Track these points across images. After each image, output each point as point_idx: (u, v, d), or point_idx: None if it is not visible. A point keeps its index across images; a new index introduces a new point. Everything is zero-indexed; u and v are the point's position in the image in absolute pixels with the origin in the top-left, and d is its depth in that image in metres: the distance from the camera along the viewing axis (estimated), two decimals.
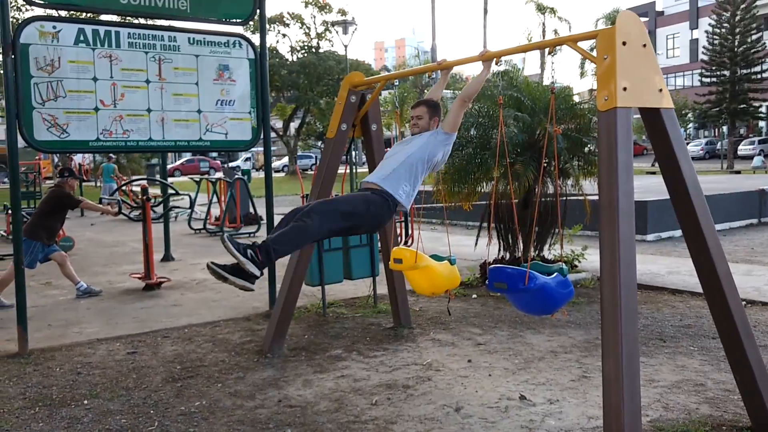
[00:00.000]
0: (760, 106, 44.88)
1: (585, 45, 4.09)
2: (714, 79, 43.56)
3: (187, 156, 54.48)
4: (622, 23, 3.65)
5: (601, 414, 4.37)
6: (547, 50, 32.10)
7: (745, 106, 42.81)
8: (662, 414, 4.41)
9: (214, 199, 16.09)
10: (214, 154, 60.30)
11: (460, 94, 4.80)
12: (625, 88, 3.59)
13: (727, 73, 42.74)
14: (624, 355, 3.32)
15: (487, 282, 4.42)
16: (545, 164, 8.95)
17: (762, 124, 52.26)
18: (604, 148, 3.62)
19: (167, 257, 11.32)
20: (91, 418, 4.55)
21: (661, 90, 3.78)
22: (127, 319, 7.30)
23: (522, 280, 4.19)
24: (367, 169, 6.45)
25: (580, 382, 5.07)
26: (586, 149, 8.57)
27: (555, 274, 4.36)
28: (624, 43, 3.63)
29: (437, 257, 5.25)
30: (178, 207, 16.63)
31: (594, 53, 3.84)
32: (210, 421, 4.47)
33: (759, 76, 42.53)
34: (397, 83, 38.87)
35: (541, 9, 41.03)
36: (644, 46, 3.72)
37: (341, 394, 4.92)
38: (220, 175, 17.62)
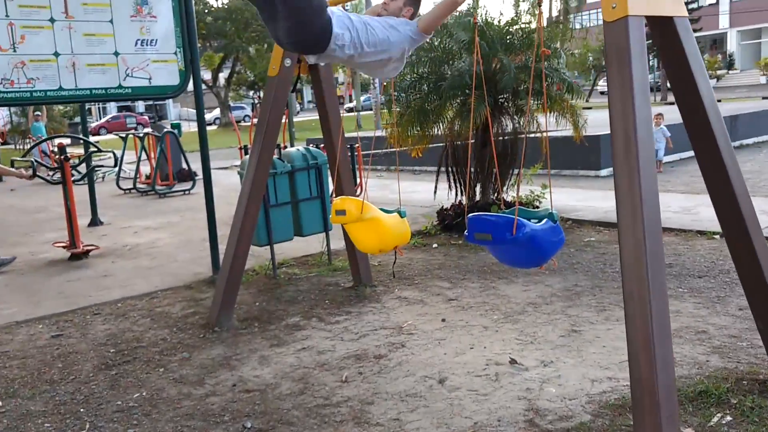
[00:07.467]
0: None
1: None
2: None
3: (112, 113, 51.93)
4: None
5: (605, 376, 3.91)
6: None
7: None
8: None
9: (143, 156, 14.96)
10: (142, 110, 57.72)
11: None
12: None
13: None
14: (654, 317, 2.75)
15: (466, 233, 3.79)
16: (502, 100, 8.37)
17: None
18: (614, 68, 2.98)
19: (95, 222, 10.32)
20: (7, 424, 3.77)
21: None
22: (52, 295, 6.45)
23: (509, 229, 3.59)
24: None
25: (572, 337, 4.55)
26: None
27: (544, 220, 3.79)
28: None
29: (384, 210, 4.59)
30: (104, 166, 15.46)
31: None
32: (153, 417, 3.77)
33: None
34: (348, 6, 36.96)
35: None
36: None
37: (305, 372, 4.27)
38: (148, 130, 16.32)
